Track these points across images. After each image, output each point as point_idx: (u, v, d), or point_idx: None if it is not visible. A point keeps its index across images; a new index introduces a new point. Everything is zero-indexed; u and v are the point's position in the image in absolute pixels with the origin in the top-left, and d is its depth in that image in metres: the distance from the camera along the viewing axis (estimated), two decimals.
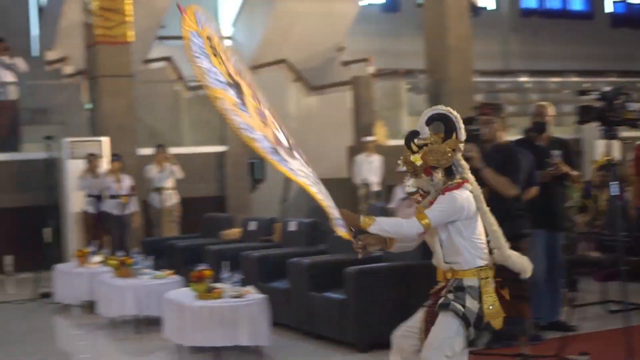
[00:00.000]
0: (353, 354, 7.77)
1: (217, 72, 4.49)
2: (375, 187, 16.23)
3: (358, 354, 7.75)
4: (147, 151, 15.22)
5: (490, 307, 4.88)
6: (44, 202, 13.64)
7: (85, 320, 10.39)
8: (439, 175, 4.91)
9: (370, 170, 16.18)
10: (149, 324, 9.44)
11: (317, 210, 5.63)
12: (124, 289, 9.25)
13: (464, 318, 4.82)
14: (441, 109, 4.97)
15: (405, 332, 5.08)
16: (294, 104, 20.03)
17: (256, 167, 20.22)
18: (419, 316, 5.07)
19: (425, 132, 4.93)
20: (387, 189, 16.51)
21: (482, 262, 4.93)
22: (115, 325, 9.70)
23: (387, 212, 11.98)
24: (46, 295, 11.71)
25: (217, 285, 7.96)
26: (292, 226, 10.50)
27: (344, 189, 17.45)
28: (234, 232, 11.75)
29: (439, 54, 17.99)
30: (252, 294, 7.90)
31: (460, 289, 4.89)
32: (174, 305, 7.93)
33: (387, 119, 17.89)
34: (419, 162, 4.88)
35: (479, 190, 4.96)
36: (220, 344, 7.61)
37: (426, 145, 4.90)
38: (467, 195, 4.89)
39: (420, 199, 4.98)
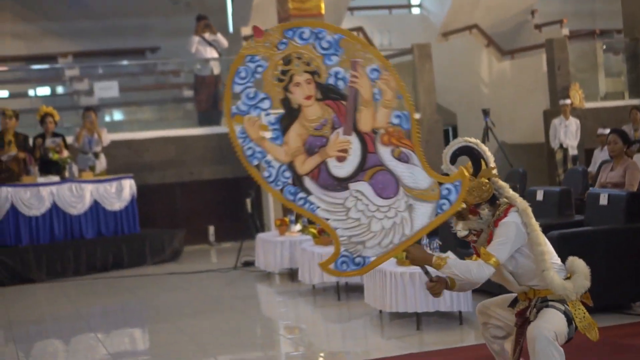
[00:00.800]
0: None
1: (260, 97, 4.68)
2: (573, 151, 15.83)
3: None
4: None
5: (582, 322, 4.76)
6: (243, 174, 13.98)
7: (286, 287, 10.62)
8: (485, 211, 4.82)
9: (567, 133, 15.80)
10: (350, 290, 9.59)
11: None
12: (324, 256, 9.37)
13: (566, 314, 4.73)
14: (459, 142, 4.89)
15: (490, 317, 5.11)
16: (486, 69, 19.76)
17: (451, 134, 20.11)
18: (507, 314, 5.03)
19: (454, 171, 4.83)
20: (585, 152, 16.08)
21: (562, 276, 4.82)
22: (317, 292, 9.88)
23: (587, 176, 11.67)
24: (248, 264, 12.05)
25: None
26: None
27: (540, 154, 17.14)
28: None
29: (636, 11, 17.31)
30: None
31: (546, 302, 4.80)
32: (375, 272, 7.97)
33: (583, 81, 17.37)
34: (462, 207, 4.77)
35: (525, 204, 4.81)
36: (421, 310, 7.62)
37: None
38: (519, 220, 4.77)
39: (475, 238, 4.90)
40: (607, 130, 13.26)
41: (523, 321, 4.85)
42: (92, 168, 13.65)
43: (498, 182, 4.87)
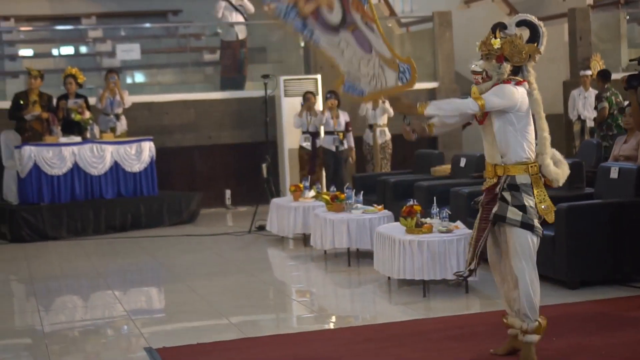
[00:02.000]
0: (563, 290, 7.72)
1: None
2: (591, 123, 15.81)
3: (568, 290, 7.70)
4: None
5: (542, 204, 5.28)
6: (260, 139, 14.11)
7: (299, 252, 10.79)
8: (506, 68, 5.30)
9: (585, 105, 15.76)
10: (360, 256, 9.74)
11: None
12: (336, 222, 9.51)
13: (526, 226, 5.23)
14: (533, 19, 5.42)
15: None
16: None
17: None
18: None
19: (512, 30, 5.37)
20: None
21: (531, 156, 5.33)
22: (328, 258, 10.04)
23: (601, 148, 11.72)
24: (262, 228, 12.21)
25: (427, 220, 8.08)
26: None
27: (558, 125, 17.11)
28: (444, 168, 11.81)
29: None
30: (461, 229, 7.98)
31: (514, 187, 5.28)
32: (385, 239, 8.13)
33: (604, 52, 17.26)
34: (496, 46, 5.27)
35: (539, 95, 5.31)
36: (428, 278, 7.77)
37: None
38: (522, 92, 5.27)
39: (480, 81, 5.35)
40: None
41: (491, 198, 5.40)
42: (113, 129, 13.82)
43: (532, 64, 5.37)
